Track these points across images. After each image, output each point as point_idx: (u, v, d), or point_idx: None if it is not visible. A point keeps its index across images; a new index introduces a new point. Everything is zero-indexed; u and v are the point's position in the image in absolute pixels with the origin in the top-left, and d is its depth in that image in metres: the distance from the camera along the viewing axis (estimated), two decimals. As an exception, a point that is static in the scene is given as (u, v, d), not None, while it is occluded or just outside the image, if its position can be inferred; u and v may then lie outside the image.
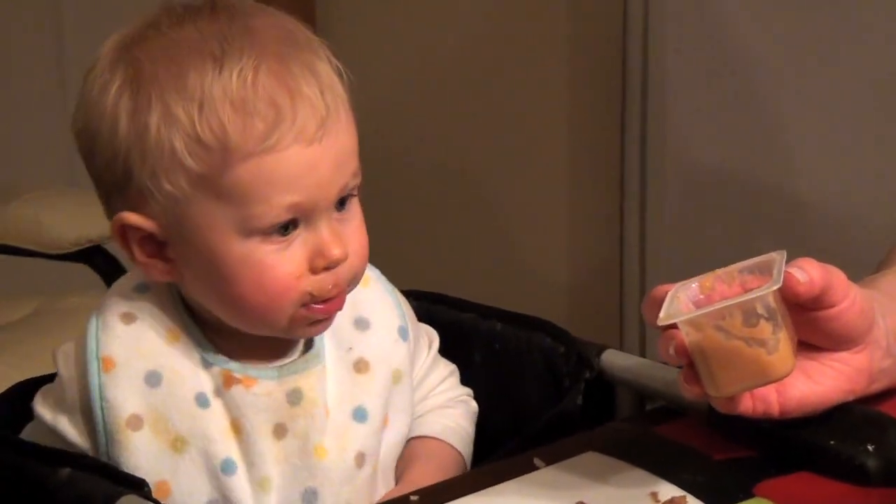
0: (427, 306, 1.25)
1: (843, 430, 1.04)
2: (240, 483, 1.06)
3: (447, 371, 1.22)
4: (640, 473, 1.03)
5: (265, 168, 1.01)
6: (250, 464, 1.06)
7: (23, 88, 2.67)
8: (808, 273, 1.00)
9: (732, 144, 2.76)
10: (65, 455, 1.03)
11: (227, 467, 1.06)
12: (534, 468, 1.05)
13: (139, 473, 1.03)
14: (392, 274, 1.19)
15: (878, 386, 1.08)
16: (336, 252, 1.04)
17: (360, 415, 1.10)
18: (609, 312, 2.87)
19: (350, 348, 1.12)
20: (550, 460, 1.05)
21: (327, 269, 1.05)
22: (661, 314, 0.96)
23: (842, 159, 2.61)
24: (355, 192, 1.08)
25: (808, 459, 1.04)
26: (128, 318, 1.08)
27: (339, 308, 1.07)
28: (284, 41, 1.04)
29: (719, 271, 1.00)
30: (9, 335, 2.02)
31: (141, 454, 1.05)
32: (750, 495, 1.01)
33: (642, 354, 2.79)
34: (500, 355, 1.23)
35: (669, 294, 0.99)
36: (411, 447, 1.16)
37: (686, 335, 0.95)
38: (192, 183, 1.02)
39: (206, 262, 1.04)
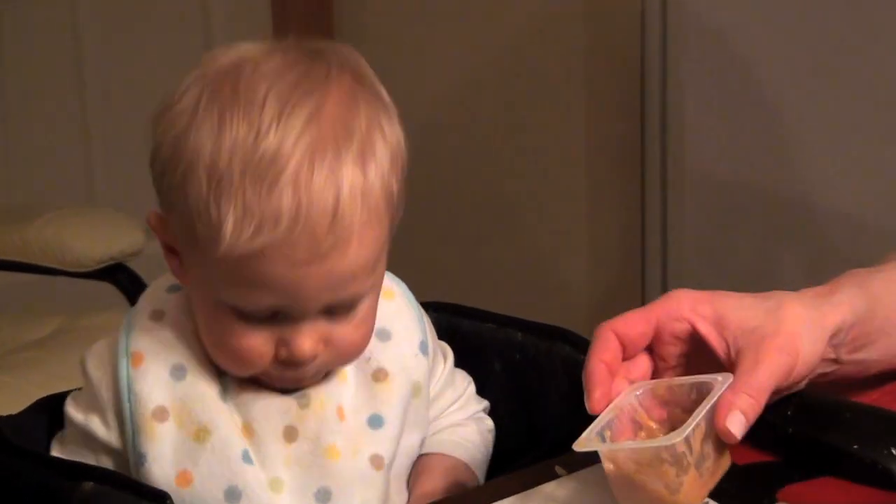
0: (447, 317, 1.25)
1: (866, 434, 1.04)
2: (256, 475, 1.07)
3: (462, 386, 1.22)
4: (662, 480, 1.02)
5: (247, 269, 1.00)
6: (263, 465, 1.08)
7: (42, 108, 2.68)
8: (736, 431, 0.99)
9: (752, 156, 2.76)
10: (88, 469, 1.03)
11: (246, 457, 1.08)
12: (555, 476, 1.05)
13: (163, 464, 1.06)
14: (412, 284, 1.19)
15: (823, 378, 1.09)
16: (304, 350, 1.04)
17: (375, 421, 1.11)
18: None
19: (369, 358, 1.13)
20: (572, 468, 1.05)
21: (290, 362, 1.05)
22: (583, 436, 0.98)
23: (860, 169, 2.61)
24: (359, 303, 1.06)
25: (832, 464, 1.04)
26: (157, 315, 1.11)
27: (315, 375, 1.08)
28: (337, 140, 1.01)
29: (675, 381, 1.02)
30: (32, 353, 2.03)
31: (166, 444, 1.07)
32: (774, 500, 1.00)
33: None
34: (521, 364, 1.23)
35: (616, 402, 1.01)
36: (423, 462, 1.17)
37: (602, 459, 0.98)
38: (193, 237, 1.02)
39: (196, 296, 1.07)
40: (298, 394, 1.09)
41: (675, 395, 1.02)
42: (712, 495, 1.00)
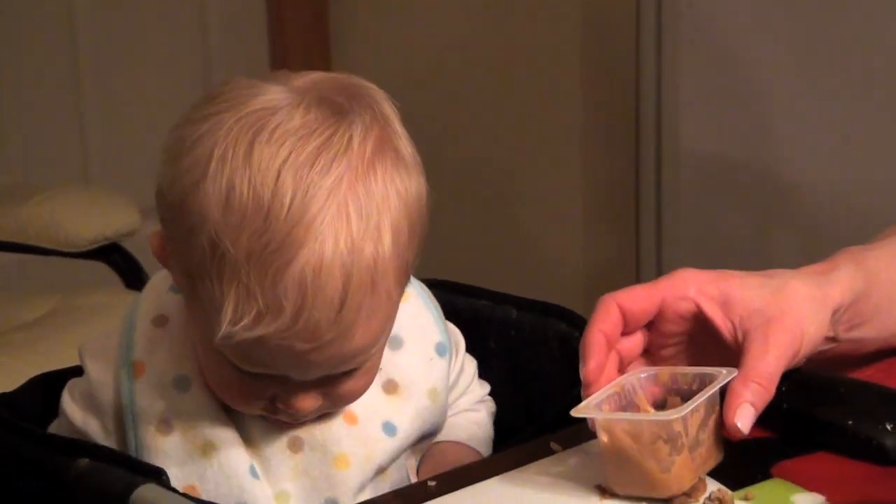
0: (442, 294, 1.25)
1: (861, 409, 1.04)
2: (263, 490, 1.06)
3: (471, 372, 1.22)
4: (657, 456, 1.03)
5: (245, 347, 0.97)
6: (268, 477, 1.06)
7: (36, 88, 2.67)
8: (744, 425, 0.99)
9: (746, 134, 2.76)
10: (83, 445, 1.03)
11: (253, 472, 1.06)
12: (551, 452, 1.05)
13: (169, 478, 1.02)
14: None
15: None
16: (302, 408, 1.02)
17: (389, 429, 1.10)
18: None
19: (380, 368, 1.09)
20: (567, 444, 1.05)
21: (288, 415, 1.03)
22: (582, 404, 0.99)
23: (853, 149, 2.61)
24: (366, 363, 1.03)
25: (827, 440, 1.04)
26: (159, 322, 1.08)
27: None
28: (352, 218, 0.95)
29: (679, 369, 1.03)
30: (27, 333, 2.03)
31: (171, 459, 1.05)
32: (768, 476, 1.01)
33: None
34: (516, 342, 1.23)
35: (618, 380, 1.02)
36: (440, 450, 1.16)
37: (598, 430, 0.98)
38: (193, 290, 0.98)
39: (193, 326, 1.03)
40: None
41: (678, 384, 1.02)
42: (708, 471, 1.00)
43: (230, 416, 1.06)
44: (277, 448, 1.06)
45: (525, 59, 2.86)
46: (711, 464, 0.99)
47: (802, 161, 2.68)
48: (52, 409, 1.13)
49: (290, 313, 0.94)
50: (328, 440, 1.07)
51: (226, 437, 1.05)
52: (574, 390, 1.14)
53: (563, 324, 1.21)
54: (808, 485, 0.99)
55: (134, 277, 2.14)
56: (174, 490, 0.98)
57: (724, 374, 1.00)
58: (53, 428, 1.11)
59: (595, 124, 2.84)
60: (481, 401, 1.22)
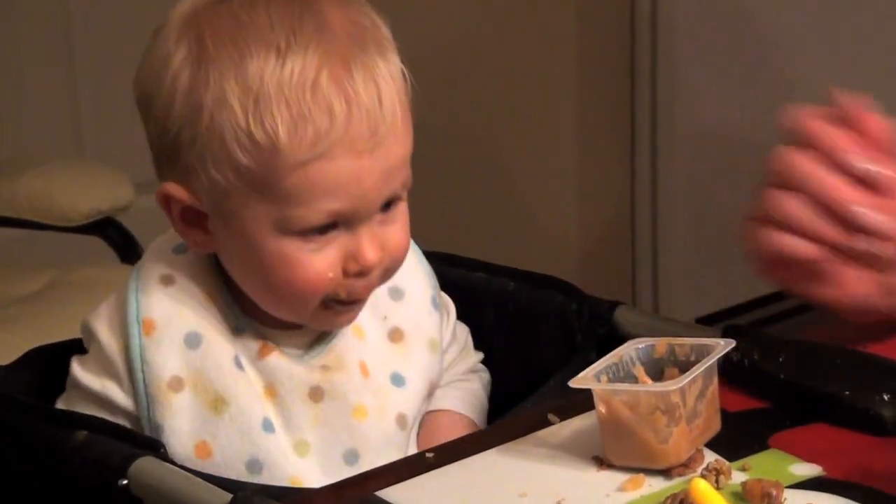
0: (439, 266, 1.25)
1: (858, 380, 1.04)
2: (278, 444, 1.06)
3: (463, 338, 1.22)
4: (655, 427, 1.03)
5: (311, 174, 1.00)
6: (286, 428, 1.07)
7: (29, 60, 2.66)
8: None
9: (742, 106, 2.76)
10: (81, 418, 1.03)
11: (267, 426, 1.06)
12: (548, 424, 1.05)
13: (181, 435, 1.04)
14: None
15: None
16: (371, 258, 1.04)
17: (397, 380, 1.11)
18: (621, 270, 2.87)
19: (385, 317, 1.12)
20: (565, 416, 1.05)
21: (360, 273, 1.04)
22: (580, 375, 0.99)
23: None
24: (403, 196, 1.07)
25: (824, 410, 1.04)
26: (167, 281, 1.08)
27: (362, 303, 1.07)
28: (354, 41, 1.02)
29: (676, 340, 1.03)
30: (23, 308, 2.02)
31: (183, 416, 1.05)
32: (765, 447, 1.01)
33: (655, 311, 2.81)
34: (513, 314, 1.23)
35: (616, 351, 1.02)
36: (434, 419, 1.17)
37: (596, 400, 0.98)
38: (237, 174, 1.01)
39: (242, 247, 1.04)
40: (320, 356, 1.08)
41: (675, 355, 1.02)
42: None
43: (244, 370, 1.07)
44: (298, 397, 1.07)
45: (519, 33, 2.85)
46: (709, 435, 1.00)
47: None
48: (48, 382, 1.13)
49: (341, 115, 0.99)
50: (348, 390, 1.08)
51: (238, 392, 1.06)
52: (571, 361, 1.14)
53: (561, 296, 1.21)
54: (806, 456, 0.99)
55: (129, 252, 2.13)
56: (172, 462, 0.98)
57: (721, 346, 1.00)
58: (62, 403, 1.10)
59: (589, 90, 2.83)
60: (474, 370, 1.22)
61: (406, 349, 1.12)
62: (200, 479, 0.95)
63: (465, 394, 1.20)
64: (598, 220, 2.89)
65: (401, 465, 1.01)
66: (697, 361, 0.99)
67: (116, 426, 1.04)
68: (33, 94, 2.67)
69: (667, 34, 2.79)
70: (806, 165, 1.06)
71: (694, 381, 0.97)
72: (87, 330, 1.09)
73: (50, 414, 1.05)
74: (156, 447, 0.99)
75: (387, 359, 1.11)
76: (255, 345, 1.07)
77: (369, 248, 1.03)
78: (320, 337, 1.09)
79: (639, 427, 0.97)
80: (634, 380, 1.02)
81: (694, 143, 2.83)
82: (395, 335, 1.12)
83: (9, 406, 1.07)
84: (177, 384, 1.05)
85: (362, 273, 1.04)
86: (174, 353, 1.06)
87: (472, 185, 2.95)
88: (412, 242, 1.15)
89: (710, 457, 0.98)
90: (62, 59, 2.68)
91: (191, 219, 1.05)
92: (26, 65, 2.67)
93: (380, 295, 1.12)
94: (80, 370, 1.08)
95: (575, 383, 0.98)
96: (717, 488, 0.93)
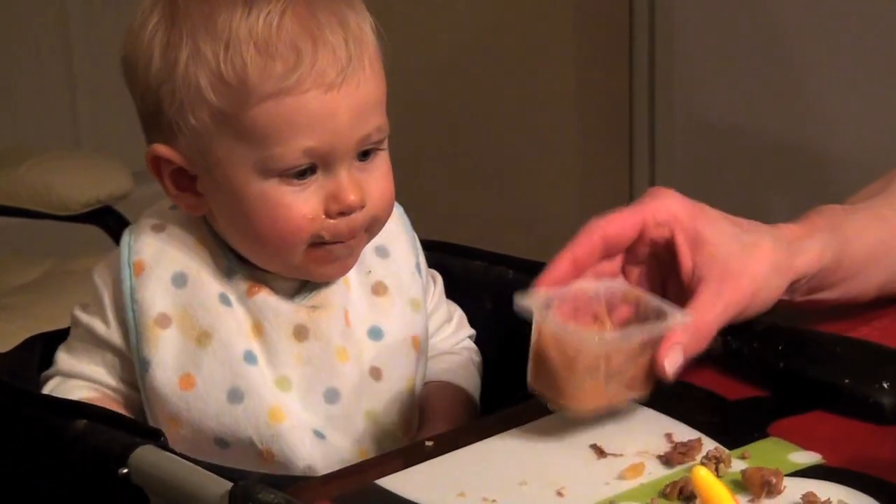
0: (438, 255, 1.25)
1: (858, 368, 1.04)
2: (260, 375, 1.09)
3: (452, 308, 1.24)
4: (654, 415, 1.03)
5: (283, 110, 1.04)
6: (270, 363, 1.10)
7: (26, 51, 2.66)
8: (671, 365, 1.00)
9: (741, 95, 2.75)
10: (81, 407, 1.03)
11: (249, 358, 1.09)
12: (548, 412, 1.05)
13: (166, 368, 1.08)
14: (402, 225, 1.19)
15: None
16: (351, 197, 1.07)
17: (374, 333, 1.13)
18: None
19: (369, 272, 1.15)
20: (565, 404, 1.05)
21: (342, 213, 1.08)
22: (532, 292, 1.01)
23: (850, 111, 2.61)
24: (382, 147, 1.10)
25: (823, 398, 1.04)
26: (158, 228, 1.12)
27: (351, 250, 1.10)
28: None
29: (646, 296, 1.03)
30: (21, 297, 2.03)
31: (169, 350, 1.09)
32: (765, 435, 1.01)
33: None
34: (512, 302, 1.23)
35: (581, 281, 1.04)
36: (432, 392, 1.18)
37: (533, 326, 1.00)
38: (214, 119, 1.06)
39: (228, 198, 1.08)
40: (307, 298, 1.12)
41: (639, 310, 1.03)
42: (704, 430, 1.01)
43: (232, 307, 1.10)
44: (283, 335, 1.10)
45: (519, 29, 2.85)
46: (628, 397, 1.00)
47: (799, 126, 2.68)
48: (47, 369, 1.13)
49: (308, 47, 1.04)
50: (331, 332, 1.11)
51: (222, 326, 1.09)
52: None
53: (559, 284, 1.21)
54: (805, 444, 0.99)
55: (127, 241, 2.13)
56: (172, 451, 0.98)
57: (677, 318, 1.01)
58: (64, 345, 1.14)
59: (588, 84, 2.84)
60: (465, 347, 1.23)
61: (388, 303, 1.15)
62: (201, 468, 0.95)
63: (452, 364, 1.21)
64: (597, 210, 2.89)
65: (401, 453, 1.01)
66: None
67: (114, 414, 1.04)
68: (31, 84, 2.67)
69: (665, 28, 2.79)
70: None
71: (628, 341, 0.98)
72: (91, 282, 1.14)
73: (50, 403, 1.05)
74: (156, 436, 0.99)
75: (367, 312, 1.14)
76: (244, 284, 1.11)
77: (349, 187, 1.07)
78: (309, 282, 1.13)
79: (559, 366, 0.98)
80: (595, 319, 1.03)
81: (692, 136, 2.83)
82: (379, 288, 1.15)
83: (9, 394, 1.07)
84: (164, 320, 1.09)
85: (343, 213, 1.07)
86: (162, 291, 1.10)
87: (473, 177, 2.95)
88: (401, 210, 1.19)
89: (710, 445, 0.98)
90: (59, 49, 2.68)
91: (182, 183, 1.10)
92: (24, 55, 2.66)
93: (366, 251, 1.15)
94: (80, 312, 1.13)
95: (519, 298, 1.00)
96: (717, 476, 0.93)
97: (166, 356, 1.09)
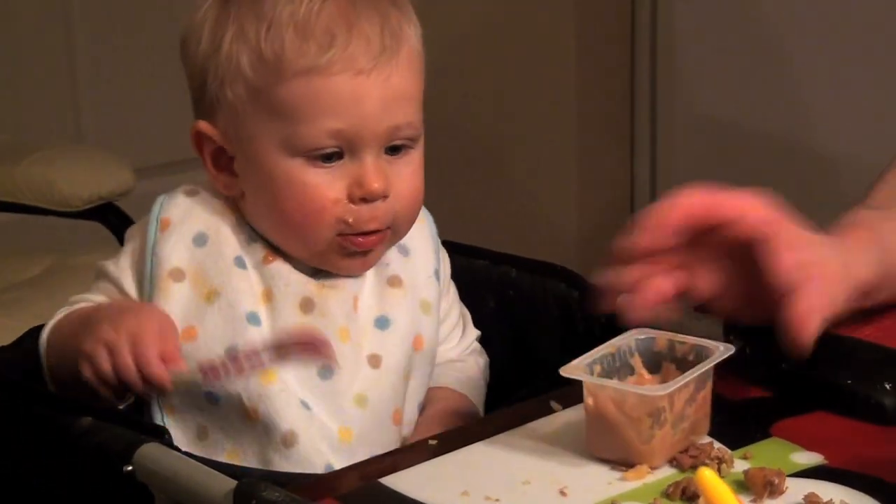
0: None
1: (860, 369, 1.05)
2: (260, 337, 1.11)
3: (462, 314, 1.24)
4: (657, 415, 1.03)
5: (311, 88, 1.09)
6: (272, 329, 1.12)
7: (28, 45, 2.66)
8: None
9: (742, 91, 2.75)
10: (86, 404, 1.03)
11: (252, 318, 1.12)
12: (551, 411, 1.05)
13: (174, 319, 1.10)
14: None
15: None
16: (375, 185, 1.10)
17: (381, 322, 1.15)
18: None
19: (388, 264, 1.17)
20: (567, 403, 1.05)
21: (365, 200, 1.10)
22: (572, 363, 1.00)
23: (847, 107, 2.61)
24: (413, 145, 1.13)
25: (826, 399, 1.04)
26: (191, 192, 1.17)
27: (375, 246, 1.13)
28: None
29: (678, 337, 1.03)
30: (22, 293, 2.03)
31: (176, 302, 1.12)
32: (767, 435, 1.01)
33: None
34: (515, 301, 1.23)
35: (614, 340, 1.02)
36: (434, 395, 1.18)
37: (584, 392, 0.99)
38: (249, 94, 1.10)
39: (258, 176, 1.12)
40: (321, 277, 1.14)
41: (675, 352, 1.02)
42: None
43: (247, 269, 1.13)
44: (290, 304, 1.12)
45: (520, 23, 2.85)
46: (694, 439, 1.00)
47: (800, 123, 2.68)
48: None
49: (340, 38, 1.08)
50: (336, 312, 1.13)
51: (232, 287, 1.12)
52: (573, 349, 1.14)
53: (562, 284, 1.22)
54: (807, 444, 1.00)
55: (129, 237, 2.13)
56: (177, 449, 0.98)
57: (720, 351, 1.00)
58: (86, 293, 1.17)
59: (589, 79, 2.83)
60: (472, 351, 1.23)
61: (399, 296, 1.16)
62: (205, 466, 0.96)
63: (458, 372, 1.21)
64: (598, 208, 2.89)
65: (404, 452, 1.02)
66: (696, 362, 1.00)
67: (119, 412, 1.04)
68: (33, 79, 2.67)
69: (667, 26, 2.79)
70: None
71: (685, 385, 0.98)
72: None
73: (55, 400, 1.05)
74: (161, 433, 0.99)
75: (377, 302, 1.15)
76: (262, 252, 1.14)
77: (373, 174, 1.10)
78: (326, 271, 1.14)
79: (622, 425, 0.97)
80: (631, 370, 1.02)
81: (693, 132, 2.83)
82: (394, 281, 1.17)
83: (13, 391, 1.08)
84: (177, 274, 1.13)
85: (366, 199, 1.10)
86: (182, 248, 1.13)
87: (473, 174, 2.95)
88: (430, 219, 1.21)
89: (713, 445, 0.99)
90: (61, 44, 2.68)
91: (221, 163, 1.14)
92: (25, 50, 2.66)
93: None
94: (105, 261, 1.18)
95: (565, 372, 0.99)
96: (719, 476, 0.94)
97: (174, 308, 1.11)
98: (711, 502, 0.85)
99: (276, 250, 1.14)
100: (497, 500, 0.94)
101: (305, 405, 1.11)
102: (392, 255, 1.17)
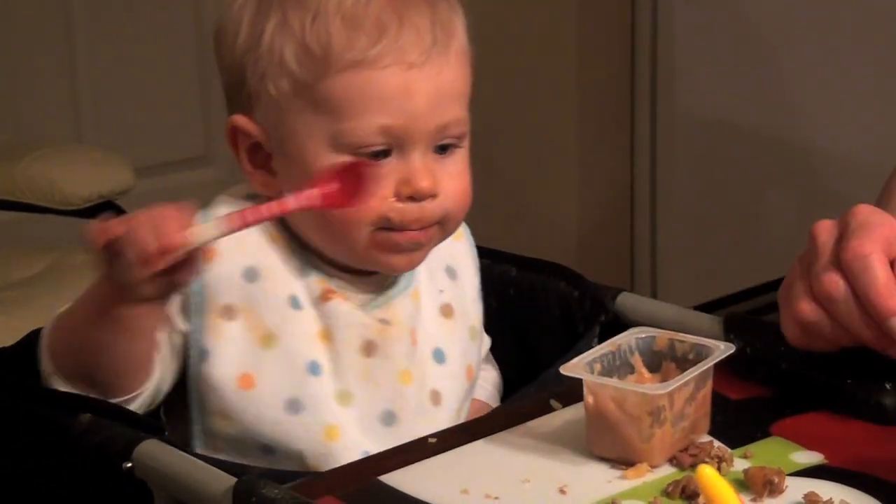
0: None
1: (860, 368, 1.04)
2: (322, 388, 1.07)
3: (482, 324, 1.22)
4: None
5: (360, 81, 1.04)
6: (334, 374, 1.07)
7: (28, 44, 2.66)
8: None
9: (743, 92, 2.75)
10: (85, 401, 1.03)
11: (314, 368, 1.07)
12: (551, 410, 1.05)
13: (227, 362, 1.05)
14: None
15: None
16: (423, 183, 1.06)
17: (438, 355, 1.12)
18: (619, 256, 2.87)
19: (441, 291, 1.14)
20: (567, 402, 1.05)
21: (412, 199, 1.06)
22: (572, 362, 0.99)
23: (846, 106, 2.61)
24: (461, 144, 1.09)
25: (826, 398, 1.05)
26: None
27: (420, 242, 1.07)
28: None
29: (679, 336, 1.03)
30: (22, 291, 2.02)
31: (231, 344, 1.06)
32: (767, 434, 1.01)
33: (653, 295, 2.81)
34: (515, 300, 1.23)
35: (615, 339, 1.02)
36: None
37: (585, 391, 0.99)
38: (293, 88, 1.05)
39: (299, 172, 1.06)
40: (379, 308, 1.09)
41: (675, 350, 1.02)
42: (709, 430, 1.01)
43: (302, 310, 1.07)
44: (352, 347, 1.08)
45: (520, 25, 2.85)
46: (694, 437, 1.00)
47: (799, 123, 2.68)
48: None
49: (391, 30, 1.04)
50: (397, 353, 1.09)
51: (290, 331, 1.07)
52: (574, 348, 1.15)
53: (563, 282, 1.22)
54: (807, 443, 1.00)
55: (129, 236, 2.13)
56: (176, 445, 0.98)
57: (720, 350, 1.00)
58: None
59: (590, 75, 2.83)
60: (489, 360, 1.23)
61: (452, 327, 1.13)
62: (204, 463, 0.96)
63: (488, 384, 1.21)
64: (598, 205, 2.89)
65: (404, 450, 1.01)
66: (696, 361, 1.00)
67: (118, 408, 1.04)
68: (32, 78, 2.66)
69: (667, 26, 2.79)
70: (860, 257, 1.01)
71: (685, 384, 0.97)
72: None
73: (53, 397, 1.05)
74: (160, 431, 0.99)
75: (434, 333, 1.12)
76: (317, 286, 1.08)
77: (422, 172, 1.05)
78: (382, 289, 1.10)
79: (623, 423, 0.97)
80: (631, 369, 1.02)
81: (693, 129, 2.83)
82: (446, 310, 1.14)
83: (12, 389, 1.07)
84: (229, 313, 1.06)
85: (413, 198, 1.05)
86: (231, 283, 1.07)
87: (474, 173, 2.95)
88: (468, 232, 1.18)
89: (713, 444, 0.99)
90: (61, 43, 2.68)
91: (257, 160, 1.08)
92: (25, 49, 2.66)
93: (437, 269, 1.14)
94: None
95: (566, 370, 0.99)
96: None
97: (229, 350, 1.06)
98: (711, 499, 0.85)
99: (330, 282, 1.09)
100: (497, 498, 0.94)
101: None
102: (442, 278, 1.14)
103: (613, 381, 0.99)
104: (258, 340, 1.06)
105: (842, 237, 1.02)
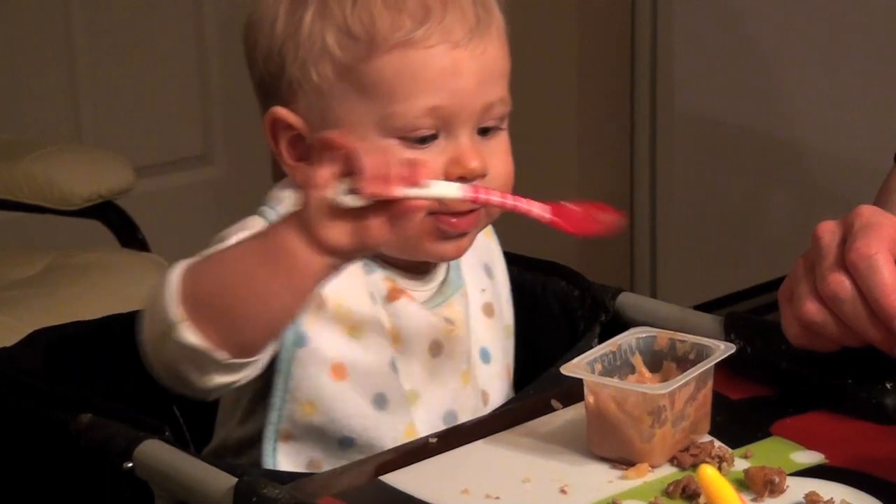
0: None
1: (860, 368, 1.04)
2: (399, 385, 1.06)
3: None
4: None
5: (408, 63, 1.03)
6: (405, 374, 1.07)
7: (28, 43, 2.66)
8: None
9: (742, 92, 2.76)
10: (86, 400, 1.03)
11: (393, 365, 1.06)
12: (551, 410, 1.05)
13: (323, 350, 1.03)
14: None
15: None
16: (473, 163, 1.04)
17: (484, 355, 1.12)
18: (619, 255, 2.87)
19: (483, 290, 1.13)
20: (568, 402, 1.05)
21: (463, 179, 1.04)
22: (573, 362, 1.00)
23: (843, 106, 2.61)
24: (503, 126, 1.09)
25: (826, 398, 1.05)
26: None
27: (470, 228, 1.06)
28: None
29: (679, 335, 1.03)
30: (22, 291, 2.02)
31: (326, 331, 1.04)
32: (767, 434, 1.01)
33: (653, 295, 2.81)
34: (516, 300, 1.23)
35: (615, 339, 1.03)
36: None
37: (585, 390, 0.99)
38: (337, 74, 1.04)
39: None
40: (441, 306, 1.08)
41: (675, 350, 1.02)
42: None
43: (382, 309, 1.06)
44: (420, 348, 1.07)
45: (520, 25, 2.85)
46: (694, 437, 1.00)
47: (798, 122, 2.68)
48: (52, 364, 1.13)
49: (436, 9, 1.03)
50: (459, 353, 1.08)
51: (374, 327, 1.05)
52: (574, 347, 1.15)
53: (563, 282, 1.22)
54: (808, 443, 1.00)
55: (129, 236, 2.13)
56: (176, 445, 0.98)
57: (721, 350, 1.00)
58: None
59: (590, 73, 2.83)
60: None
61: (494, 326, 1.13)
62: (205, 463, 0.95)
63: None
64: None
65: (404, 450, 1.01)
66: (697, 361, 1.00)
67: (119, 408, 1.04)
68: (32, 77, 2.66)
69: (666, 26, 2.79)
70: (866, 257, 1.01)
71: (686, 384, 0.97)
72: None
73: (54, 396, 1.05)
74: (160, 430, 0.99)
75: (480, 332, 1.12)
76: (384, 285, 1.07)
77: (471, 152, 1.04)
78: (440, 288, 1.09)
79: (623, 423, 0.97)
80: (632, 369, 1.02)
81: (693, 128, 2.83)
82: (488, 309, 1.13)
83: (13, 388, 1.07)
84: (320, 299, 1.03)
85: (464, 178, 1.04)
86: None
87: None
88: (493, 232, 1.17)
89: (714, 444, 0.99)
90: (61, 43, 2.68)
91: (298, 152, 1.06)
92: (25, 49, 2.66)
93: (476, 267, 1.13)
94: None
95: (566, 370, 0.99)
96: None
97: (323, 336, 1.04)
98: (712, 499, 0.85)
99: (394, 280, 1.07)
100: (497, 498, 0.94)
101: None
102: (482, 277, 1.13)
103: (614, 381, 0.99)
104: (347, 330, 1.05)
105: (846, 238, 1.02)
